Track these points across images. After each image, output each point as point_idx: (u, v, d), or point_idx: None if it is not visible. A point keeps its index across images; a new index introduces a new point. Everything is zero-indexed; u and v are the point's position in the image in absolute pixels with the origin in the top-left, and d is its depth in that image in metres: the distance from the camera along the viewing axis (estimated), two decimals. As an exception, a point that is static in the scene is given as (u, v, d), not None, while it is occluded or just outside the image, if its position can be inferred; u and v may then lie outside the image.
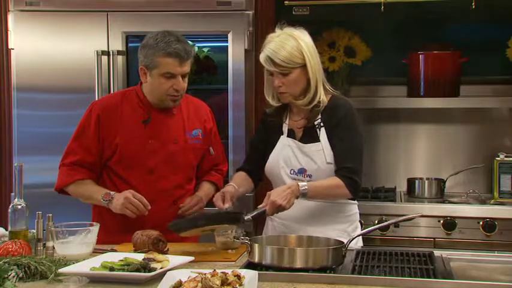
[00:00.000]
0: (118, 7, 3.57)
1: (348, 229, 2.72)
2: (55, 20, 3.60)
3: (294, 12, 3.65)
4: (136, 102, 2.84)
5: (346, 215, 2.74)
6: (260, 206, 2.55)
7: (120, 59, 3.56)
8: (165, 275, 2.05)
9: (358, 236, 2.55)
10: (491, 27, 3.94)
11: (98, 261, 2.24)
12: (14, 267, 2.17)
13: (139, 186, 2.76)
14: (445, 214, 3.45)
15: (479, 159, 3.95)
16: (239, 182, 2.81)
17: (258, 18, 3.55)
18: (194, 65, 3.71)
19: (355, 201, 2.79)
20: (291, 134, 2.75)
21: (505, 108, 3.97)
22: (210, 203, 2.84)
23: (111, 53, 3.54)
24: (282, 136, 2.76)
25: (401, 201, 3.72)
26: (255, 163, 2.85)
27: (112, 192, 2.73)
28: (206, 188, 2.96)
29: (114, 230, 2.75)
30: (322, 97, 2.69)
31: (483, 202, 3.64)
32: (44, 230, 2.51)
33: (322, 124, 2.69)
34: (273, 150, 2.76)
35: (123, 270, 2.15)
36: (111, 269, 2.17)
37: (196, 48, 3.87)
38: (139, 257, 2.25)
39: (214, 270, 2.04)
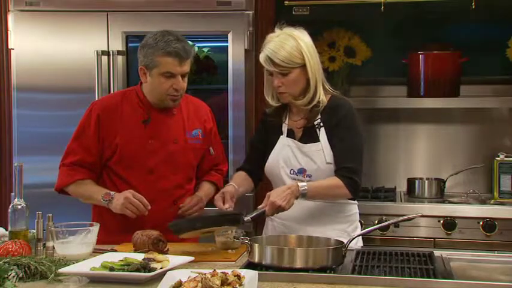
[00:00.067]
0: (118, 7, 3.57)
1: (347, 229, 2.72)
2: (55, 20, 3.60)
3: (294, 12, 3.65)
4: (136, 102, 2.84)
5: (346, 215, 2.74)
6: (260, 206, 2.55)
7: (120, 59, 3.56)
8: (165, 275, 2.05)
9: (358, 236, 2.55)
10: (491, 27, 3.94)
11: (98, 261, 2.24)
12: (14, 267, 2.17)
13: (139, 186, 2.76)
14: (445, 214, 3.45)
15: (479, 159, 3.95)
16: (239, 182, 2.81)
17: (258, 18, 3.55)
18: (194, 65, 3.71)
19: (355, 201, 2.79)
20: (291, 134, 2.75)
21: (505, 108, 3.97)
22: (210, 203, 2.85)
23: (111, 53, 3.54)
24: (281, 136, 2.76)
25: (401, 201, 3.72)
26: (255, 163, 2.86)
27: (112, 192, 2.73)
28: (206, 188, 2.96)
29: (114, 230, 2.75)
30: (322, 97, 2.69)
31: (483, 202, 3.64)
32: (44, 230, 2.51)
33: (321, 124, 2.69)
34: (273, 150, 2.76)
35: (123, 270, 2.15)
36: (111, 269, 2.17)
37: (196, 48, 3.87)
38: (139, 257, 2.25)
39: (214, 270, 2.04)
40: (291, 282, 2.10)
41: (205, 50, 3.98)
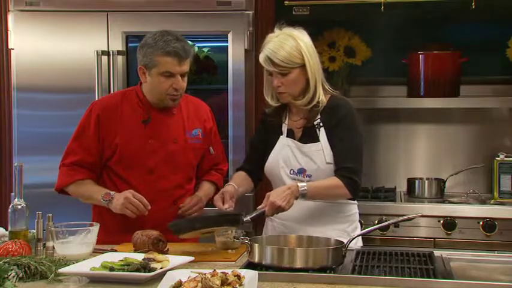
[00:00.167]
0: (118, 7, 3.57)
1: (347, 229, 2.72)
2: (55, 20, 3.60)
3: (294, 12, 3.65)
4: (136, 102, 2.84)
5: (346, 215, 2.74)
6: (259, 206, 2.55)
7: (120, 59, 3.56)
8: (165, 275, 2.05)
9: (358, 236, 2.55)
10: (491, 27, 3.94)
11: (98, 261, 2.24)
12: (14, 267, 2.17)
13: (139, 186, 2.76)
14: (445, 214, 3.45)
15: (479, 159, 3.95)
16: (239, 182, 2.81)
17: (258, 18, 3.55)
18: (194, 65, 3.71)
19: (355, 201, 2.79)
20: (291, 134, 2.75)
21: (505, 108, 3.97)
22: (210, 202, 2.85)
23: (111, 53, 3.54)
24: (281, 136, 2.76)
25: (401, 201, 3.72)
26: (255, 163, 2.86)
27: (112, 192, 2.73)
28: (206, 188, 2.96)
29: (114, 230, 2.75)
30: (322, 97, 2.69)
31: (483, 202, 3.64)
32: (44, 230, 2.51)
33: (321, 124, 2.69)
34: (273, 151, 2.76)
35: (123, 270, 2.15)
36: (111, 269, 2.17)
37: (196, 48, 3.87)
38: (139, 257, 2.25)
39: (214, 270, 2.04)
40: (291, 282, 2.10)
41: (205, 50, 3.98)
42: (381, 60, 4.00)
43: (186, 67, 2.75)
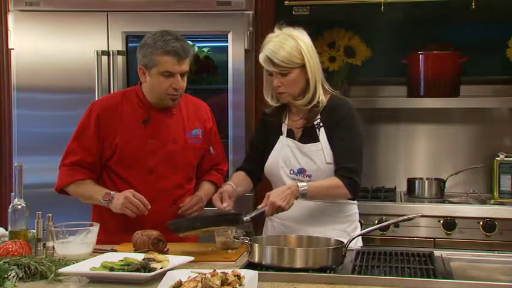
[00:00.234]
0: (118, 7, 3.57)
1: (347, 229, 2.72)
2: (55, 20, 3.60)
3: (294, 12, 3.65)
4: (136, 102, 2.84)
5: (345, 215, 2.74)
6: (259, 206, 2.55)
7: (120, 59, 3.56)
8: (165, 275, 2.05)
9: (358, 236, 2.55)
10: (491, 27, 3.94)
11: (98, 261, 2.24)
12: (14, 267, 2.17)
13: (139, 186, 2.76)
14: (445, 214, 3.45)
15: (479, 159, 3.95)
16: (237, 182, 2.80)
17: (258, 18, 3.55)
18: (194, 65, 3.71)
19: (355, 201, 2.79)
20: (290, 134, 2.75)
21: (505, 108, 3.97)
22: (210, 202, 2.84)
23: (111, 53, 3.54)
24: (281, 136, 2.76)
25: (401, 201, 3.72)
26: (255, 163, 2.85)
27: (112, 192, 2.73)
28: (206, 188, 2.96)
29: (114, 230, 2.75)
30: (321, 97, 2.69)
31: (483, 202, 3.64)
32: (44, 230, 2.51)
33: (321, 124, 2.69)
34: (273, 151, 2.76)
35: (123, 270, 2.15)
36: (111, 269, 2.17)
37: (196, 48, 3.87)
38: (139, 257, 2.25)
39: (214, 270, 2.04)
40: (291, 282, 2.10)
41: (205, 50, 3.98)
42: (381, 60, 3.99)
43: (185, 66, 2.75)
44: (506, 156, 3.67)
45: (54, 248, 2.47)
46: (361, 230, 2.77)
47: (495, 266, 2.37)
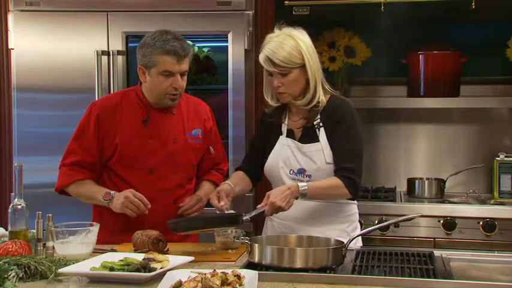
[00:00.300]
0: (118, 7, 3.57)
1: (347, 229, 2.72)
2: (55, 20, 3.60)
3: (294, 12, 3.65)
4: (136, 102, 2.84)
5: (345, 215, 2.74)
6: (259, 206, 2.55)
7: (120, 59, 3.56)
8: (165, 275, 2.05)
9: (358, 236, 2.55)
10: (491, 27, 3.94)
11: (98, 261, 2.24)
12: (14, 267, 2.17)
13: (139, 186, 2.76)
14: (445, 214, 3.45)
15: (479, 159, 3.95)
16: (236, 181, 2.80)
17: (258, 18, 3.55)
18: (194, 65, 3.71)
19: (355, 201, 2.79)
20: (290, 134, 2.75)
21: (505, 108, 3.97)
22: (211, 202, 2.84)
23: (111, 53, 3.54)
24: (281, 136, 2.76)
25: (401, 201, 3.72)
26: (254, 163, 2.85)
27: (112, 192, 2.73)
28: (206, 188, 2.96)
29: (114, 230, 2.75)
30: (321, 97, 2.69)
31: (483, 202, 3.64)
32: (44, 230, 2.51)
33: (321, 124, 2.69)
34: (272, 151, 2.76)
35: (123, 270, 2.15)
36: (111, 269, 2.17)
37: (196, 48, 3.87)
38: (139, 257, 2.25)
39: (214, 270, 2.04)
40: (291, 282, 2.10)
41: (205, 50, 3.98)
42: (381, 60, 4.00)
43: (185, 66, 2.75)
44: (506, 156, 3.67)
45: (54, 248, 2.47)
46: (361, 230, 2.77)
47: (495, 266, 2.37)
